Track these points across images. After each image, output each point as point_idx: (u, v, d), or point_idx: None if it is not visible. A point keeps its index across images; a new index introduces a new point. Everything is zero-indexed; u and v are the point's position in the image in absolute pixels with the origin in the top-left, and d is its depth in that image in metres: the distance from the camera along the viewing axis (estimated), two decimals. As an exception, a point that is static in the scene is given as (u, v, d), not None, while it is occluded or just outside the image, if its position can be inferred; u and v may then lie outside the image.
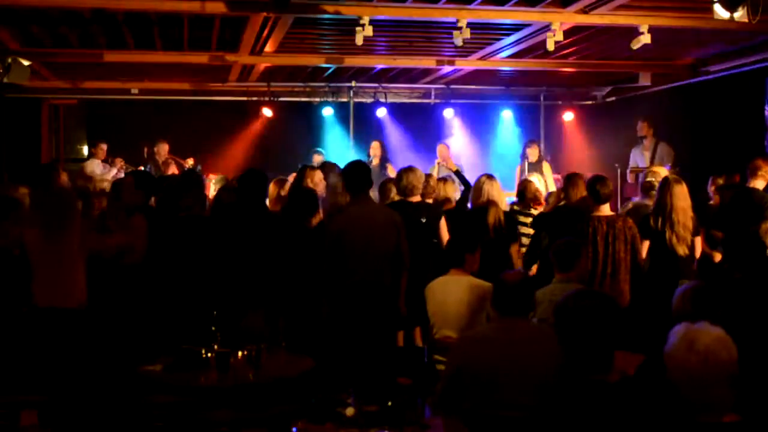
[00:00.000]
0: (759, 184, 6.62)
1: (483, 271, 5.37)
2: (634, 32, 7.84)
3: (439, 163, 10.65)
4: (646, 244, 6.03)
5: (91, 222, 6.04)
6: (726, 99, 10.00)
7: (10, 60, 8.84)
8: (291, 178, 9.54)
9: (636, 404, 2.75)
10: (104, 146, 11.04)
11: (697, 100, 10.72)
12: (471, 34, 7.64)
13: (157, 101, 12.39)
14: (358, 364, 5.04)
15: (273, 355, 4.38)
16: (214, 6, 7.28)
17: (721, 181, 7.75)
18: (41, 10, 7.64)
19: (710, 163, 8.98)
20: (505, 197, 7.53)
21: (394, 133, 12.82)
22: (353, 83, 12.20)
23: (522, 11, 7.59)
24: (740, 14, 5.99)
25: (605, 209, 5.98)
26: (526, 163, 10.65)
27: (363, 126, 12.55)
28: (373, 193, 6.93)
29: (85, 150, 12.51)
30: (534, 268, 6.41)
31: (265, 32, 8.55)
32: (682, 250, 5.93)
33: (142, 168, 10.63)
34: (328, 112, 12.47)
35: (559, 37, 7.76)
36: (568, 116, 13.26)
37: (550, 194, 7.94)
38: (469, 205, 7.26)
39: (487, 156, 12.96)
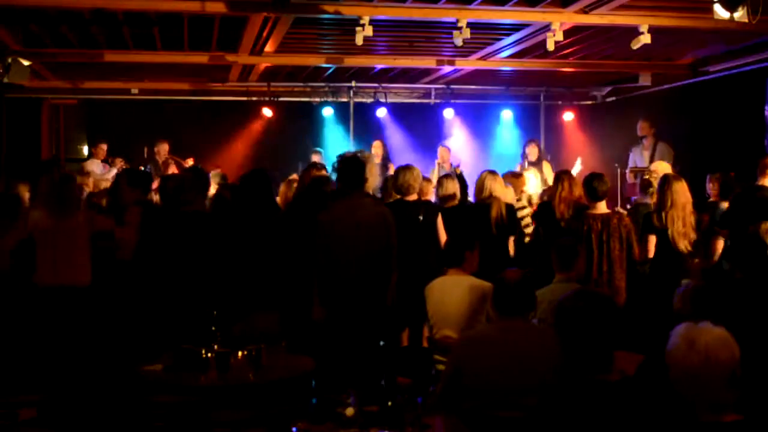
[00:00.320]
0: None
1: (485, 266, 5.37)
2: (634, 32, 7.84)
3: (439, 165, 10.66)
4: (652, 241, 6.02)
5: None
6: (726, 99, 10.00)
7: (10, 60, 8.85)
8: (293, 178, 9.55)
9: (636, 404, 2.75)
10: (104, 146, 11.05)
11: (697, 100, 10.71)
12: (471, 34, 7.64)
13: (157, 101, 12.39)
14: (356, 363, 5.02)
15: (273, 355, 4.38)
16: (214, 6, 7.29)
17: (716, 178, 7.76)
18: (41, 10, 7.64)
19: (710, 163, 8.97)
20: (511, 192, 7.53)
21: (394, 133, 12.82)
22: (353, 83, 12.20)
23: (522, 11, 7.60)
24: (740, 14, 5.98)
25: (601, 207, 5.98)
26: (526, 163, 10.64)
27: (363, 126, 12.55)
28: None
29: (85, 150, 12.52)
30: None
31: (265, 32, 8.55)
32: (683, 246, 5.92)
33: (142, 168, 10.64)
34: (328, 112, 12.47)
35: (559, 37, 7.76)
36: (568, 116, 13.26)
37: (544, 193, 7.96)
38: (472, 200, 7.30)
39: (487, 156, 12.96)
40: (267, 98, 12.34)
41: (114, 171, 10.50)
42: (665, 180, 6.05)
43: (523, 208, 7.50)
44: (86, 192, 6.99)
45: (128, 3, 7.32)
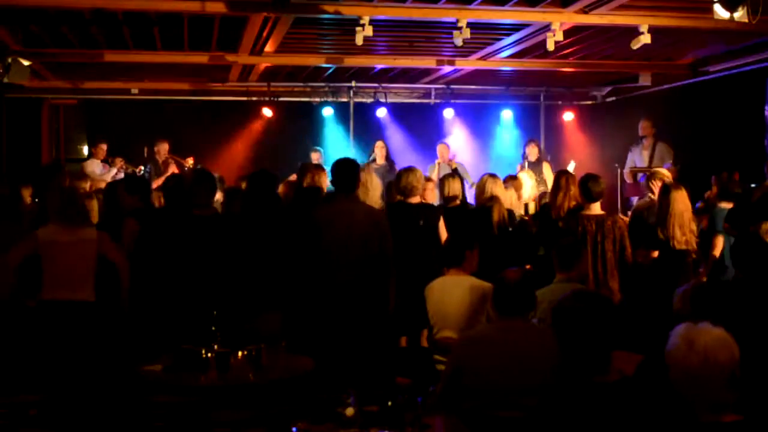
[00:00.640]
0: None
1: (487, 269, 5.37)
2: (634, 32, 7.84)
3: (439, 163, 10.66)
4: (654, 254, 6.10)
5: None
6: (726, 99, 10.00)
7: (10, 60, 8.85)
8: (293, 177, 9.55)
9: (636, 404, 2.75)
10: (104, 146, 11.04)
11: (697, 100, 10.71)
12: (471, 34, 7.64)
13: (157, 101, 12.39)
14: (357, 363, 5.02)
15: (273, 355, 4.38)
16: (214, 6, 7.28)
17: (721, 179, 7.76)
18: (41, 10, 7.64)
19: (710, 164, 8.98)
20: (512, 195, 7.53)
21: (394, 133, 12.82)
22: (353, 83, 12.20)
23: (522, 11, 7.59)
24: (740, 14, 5.99)
25: (596, 208, 5.98)
26: (526, 163, 10.65)
27: (363, 126, 12.55)
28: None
29: (85, 150, 12.52)
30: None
31: (265, 32, 8.55)
32: (687, 253, 5.97)
33: (142, 168, 10.65)
34: (328, 112, 12.47)
35: (559, 37, 7.76)
36: (568, 116, 13.26)
37: (543, 194, 7.94)
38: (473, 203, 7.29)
39: (487, 156, 12.96)
40: (267, 98, 12.34)
41: (114, 171, 10.50)
42: (665, 189, 6.09)
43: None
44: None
45: (128, 3, 7.31)
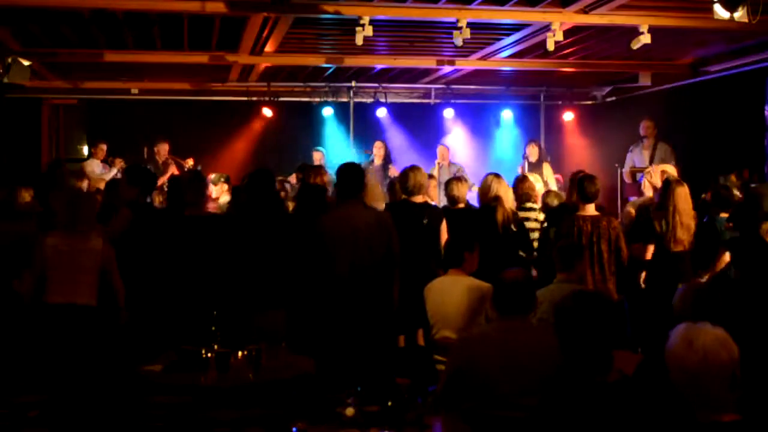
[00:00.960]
0: None
1: (490, 269, 5.37)
2: (634, 32, 7.84)
3: (439, 164, 10.67)
4: (650, 249, 6.06)
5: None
6: (726, 99, 10.00)
7: (10, 60, 8.85)
8: (292, 179, 9.56)
9: (636, 404, 2.75)
10: (104, 146, 11.04)
11: (697, 100, 10.71)
12: (471, 34, 7.64)
13: (157, 101, 12.39)
14: (357, 363, 5.02)
15: (273, 355, 4.38)
16: (214, 6, 7.29)
17: (733, 178, 7.74)
18: (41, 10, 7.64)
19: (710, 164, 8.98)
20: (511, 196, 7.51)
21: (394, 133, 12.82)
22: (353, 83, 12.20)
23: (522, 11, 7.60)
24: (740, 14, 5.99)
25: (590, 209, 5.98)
26: (527, 163, 10.65)
27: (363, 126, 12.54)
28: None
29: (85, 150, 12.52)
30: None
31: (265, 32, 8.55)
32: (680, 249, 5.94)
33: (142, 168, 10.63)
34: (328, 112, 12.47)
35: (559, 37, 7.76)
36: (568, 116, 13.26)
37: (547, 193, 7.90)
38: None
39: (487, 156, 12.96)
40: (267, 98, 12.33)
41: (114, 171, 10.50)
42: (668, 185, 6.06)
43: (533, 209, 7.38)
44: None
45: (128, 3, 7.32)
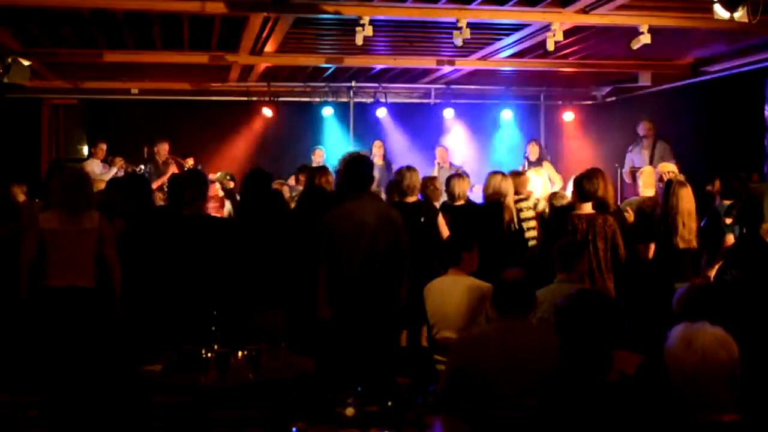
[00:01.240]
0: None
1: (495, 267, 5.36)
2: (634, 32, 7.84)
3: (439, 165, 10.67)
4: (651, 248, 6.06)
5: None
6: (726, 99, 10.00)
7: (10, 60, 8.85)
8: (291, 180, 9.57)
9: (636, 404, 2.75)
10: (104, 146, 11.04)
11: (697, 100, 10.72)
12: (471, 34, 7.64)
13: (157, 101, 12.40)
14: (358, 363, 5.03)
15: (273, 355, 4.38)
16: (214, 6, 7.29)
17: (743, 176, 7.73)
18: (41, 10, 7.64)
19: (710, 164, 8.98)
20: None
21: (394, 133, 12.82)
22: (353, 83, 12.20)
23: (522, 11, 7.60)
24: (740, 14, 5.99)
25: (587, 207, 5.97)
26: (527, 163, 10.64)
27: (363, 126, 12.55)
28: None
29: (85, 150, 12.52)
30: None
31: (265, 32, 8.56)
32: (683, 247, 5.95)
33: (142, 167, 10.64)
34: (328, 112, 12.47)
35: (559, 37, 7.76)
36: (568, 116, 13.26)
37: (553, 194, 7.87)
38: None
39: (487, 156, 12.96)
40: (267, 98, 12.33)
41: (114, 171, 10.50)
42: (671, 185, 6.05)
43: (526, 208, 7.38)
44: None
45: (128, 3, 7.32)
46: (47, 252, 5.18)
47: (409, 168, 6.52)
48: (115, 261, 5.33)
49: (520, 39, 8.84)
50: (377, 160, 10.96)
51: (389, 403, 3.37)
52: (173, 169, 10.53)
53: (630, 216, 6.76)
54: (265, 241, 5.59)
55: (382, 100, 12.70)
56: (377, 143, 11.30)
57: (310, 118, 12.58)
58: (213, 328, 4.32)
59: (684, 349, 2.53)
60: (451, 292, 5.12)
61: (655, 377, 2.84)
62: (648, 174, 7.57)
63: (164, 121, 11.93)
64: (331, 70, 11.36)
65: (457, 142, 12.58)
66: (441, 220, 6.48)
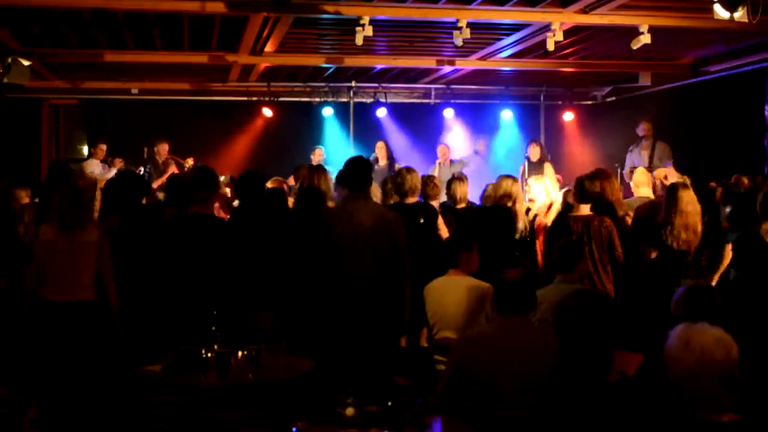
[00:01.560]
0: None
1: (502, 270, 5.34)
2: (634, 32, 7.84)
3: (440, 163, 10.66)
4: (652, 254, 6.07)
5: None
6: (726, 99, 10.01)
7: (10, 60, 8.86)
8: (290, 181, 9.56)
9: (636, 404, 2.75)
10: (104, 146, 11.05)
11: (697, 100, 10.72)
12: (471, 34, 7.65)
13: (157, 101, 12.41)
14: (357, 363, 5.02)
15: (273, 355, 4.38)
16: (214, 6, 7.29)
17: (746, 180, 7.72)
18: (41, 10, 7.65)
19: (710, 164, 8.99)
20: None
21: (394, 133, 12.82)
22: (353, 83, 12.21)
23: (522, 11, 7.60)
24: (740, 14, 5.99)
25: (584, 209, 5.96)
26: (528, 163, 10.64)
27: (363, 126, 12.56)
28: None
29: (85, 150, 12.53)
30: None
31: (265, 32, 8.56)
32: (684, 248, 5.95)
33: (142, 168, 10.65)
34: (328, 112, 12.47)
35: (559, 37, 7.77)
36: (568, 116, 13.27)
37: (567, 192, 7.81)
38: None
39: (487, 156, 12.95)
40: (267, 98, 12.34)
41: (114, 171, 10.50)
42: (674, 189, 6.04)
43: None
44: None
45: (128, 3, 7.32)
46: (44, 265, 5.17)
47: (408, 169, 6.51)
48: (110, 279, 5.31)
49: (520, 39, 8.85)
50: (382, 161, 10.92)
51: (389, 403, 3.36)
52: (173, 169, 10.54)
53: (629, 220, 6.75)
54: (260, 241, 5.59)
55: (382, 100, 12.71)
56: (380, 144, 11.27)
57: (310, 118, 12.59)
58: (213, 328, 4.32)
59: (682, 349, 2.53)
60: (450, 293, 5.11)
61: (655, 377, 2.84)
62: (640, 174, 7.56)
63: (164, 121, 11.93)
64: (331, 70, 11.36)
65: (457, 142, 12.56)
66: (441, 221, 6.47)
